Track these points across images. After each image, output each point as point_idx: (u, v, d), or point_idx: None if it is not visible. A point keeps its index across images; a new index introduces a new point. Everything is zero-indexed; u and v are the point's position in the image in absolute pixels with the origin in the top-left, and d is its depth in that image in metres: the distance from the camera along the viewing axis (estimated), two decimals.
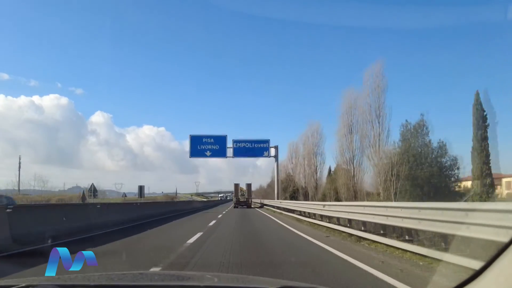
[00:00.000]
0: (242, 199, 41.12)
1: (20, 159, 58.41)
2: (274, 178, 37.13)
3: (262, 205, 41.77)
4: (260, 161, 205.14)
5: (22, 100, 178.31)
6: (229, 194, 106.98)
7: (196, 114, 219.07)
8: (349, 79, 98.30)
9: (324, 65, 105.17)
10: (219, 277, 2.63)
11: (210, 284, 1.96)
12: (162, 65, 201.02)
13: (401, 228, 6.93)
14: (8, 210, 7.66)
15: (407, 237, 6.69)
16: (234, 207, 38.08)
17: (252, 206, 39.58)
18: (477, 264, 3.83)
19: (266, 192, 53.47)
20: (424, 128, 21.80)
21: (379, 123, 22.78)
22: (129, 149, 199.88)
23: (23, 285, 1.53)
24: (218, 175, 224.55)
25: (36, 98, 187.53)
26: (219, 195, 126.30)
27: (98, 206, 13.36)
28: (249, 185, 44.36)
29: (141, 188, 35.13)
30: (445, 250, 5.22)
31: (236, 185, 45.26)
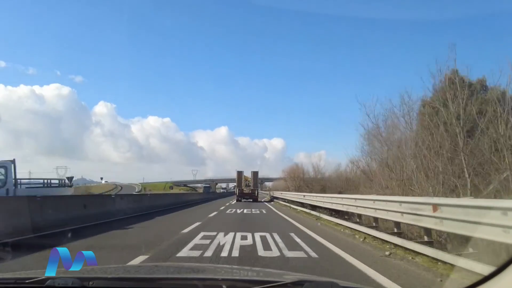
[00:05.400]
0: (247, 190, 33.35)
1: None
2: None
3: (272, 199, 35.68)
4: (269, 153, 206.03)
5: (22, 89, 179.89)
6: (233, 185, 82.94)
7: (198, 106, 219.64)
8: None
9: None
10: (235, 270, 2.62)
11: (226, 277, 1.94)
12: (165, 55, 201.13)
13: None
14: None
15: None
16: (237, 200, 31.93)
17: (259, 200, 33.21)
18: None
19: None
20: None
21: None
22: (134, 141, 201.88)
23: (43, 277, 1.54)
24: (225, 167, 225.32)
25: (36, 88, 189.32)
26: (200, 185, 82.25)
27: None
28: (255, 173, 35.63)
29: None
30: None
31: (239, 173, 35.23)
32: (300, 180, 42.35)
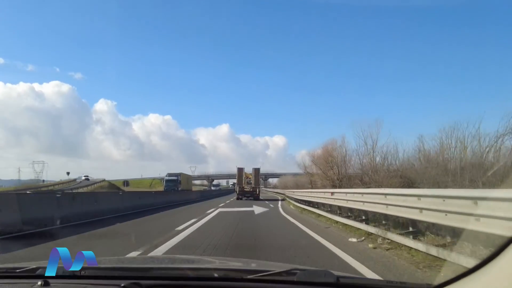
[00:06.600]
0: (248, 188, 32.03)
1: None
2: None
3: (283, 199, 29.86)
4: (270, 151, 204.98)
5: (22, 87, 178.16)
6: (232, 183, 71.82)
7: (200, 103, 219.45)
8: None
9: None
10: (227, 261, 2.64)
11: (219, 267, 1.95)
12: (166, 53, 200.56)
13: None
14: None
15: None
16: (237, 198, 30.92)
17: (260, 198, 31.23)
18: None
19: None
20: None
21: None
22: (135, 138, 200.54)
23: (34, 266, 1.58)
24: (227, 164, 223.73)
25: (36, 85, 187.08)
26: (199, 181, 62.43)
27: None
28: (256, 171, 34.07)
29: None
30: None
31: (240, 170, 33.82)
32: (337, 173, 21.32)
